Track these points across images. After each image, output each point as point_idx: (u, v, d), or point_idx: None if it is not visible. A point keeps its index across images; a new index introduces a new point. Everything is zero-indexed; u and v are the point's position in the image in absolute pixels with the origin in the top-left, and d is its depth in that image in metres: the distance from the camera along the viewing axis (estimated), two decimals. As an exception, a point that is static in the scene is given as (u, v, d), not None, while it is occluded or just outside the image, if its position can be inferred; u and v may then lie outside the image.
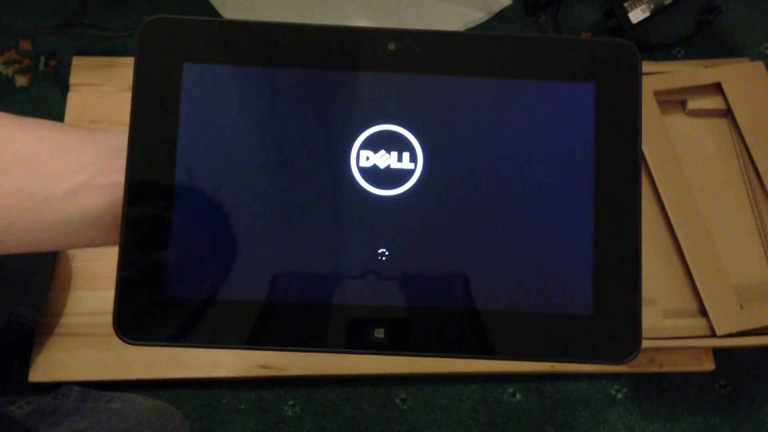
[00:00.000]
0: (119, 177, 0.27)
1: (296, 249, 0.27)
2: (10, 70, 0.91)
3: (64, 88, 0.87)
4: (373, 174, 0.27)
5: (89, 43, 0.92)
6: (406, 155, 0.27)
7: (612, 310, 0.26)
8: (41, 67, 0.91)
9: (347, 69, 0.27)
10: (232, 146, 0.27)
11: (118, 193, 0.27)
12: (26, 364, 0.75)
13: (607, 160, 0.27)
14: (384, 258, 0.27)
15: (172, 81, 0.27)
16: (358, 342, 0.26)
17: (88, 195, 0.28)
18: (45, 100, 0.89)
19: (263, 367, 0.77)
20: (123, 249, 0.26)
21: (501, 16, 0.95)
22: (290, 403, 0.81)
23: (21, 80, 0.90)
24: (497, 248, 0.27)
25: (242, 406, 0.80)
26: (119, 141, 0.29)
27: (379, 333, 0.26)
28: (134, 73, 0.27)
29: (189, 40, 0.27)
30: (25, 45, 0.92)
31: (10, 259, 0.67)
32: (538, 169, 0.27)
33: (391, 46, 0.27)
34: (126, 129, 0.27)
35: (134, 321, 0.26)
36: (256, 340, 0.26)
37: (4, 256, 0.65)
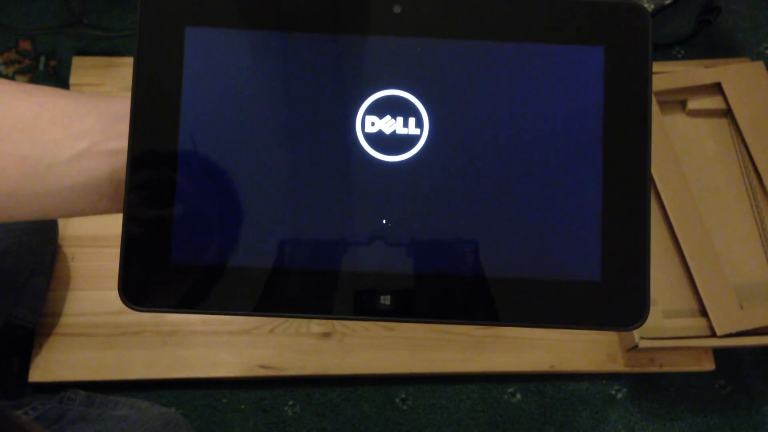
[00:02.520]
0: (122, 143, 0.27)
1: (300, 215, 0.26)
2: (10, 70, 0.91)
3: (64, 88, 0.87)
4: (378, 140, 0.26)
5: (89, 43, 0.92)
6: (411, 120, 0.27)
7: (620, 277, 0.26)
8: (41, 67, 0.91)
9: (352, 32, 0.26)
10: (236, 111, 0.27)
11: (121, 159, 0.27)
12: (26, 364, 0.75)
13: (617, 125, 0.26)
14: (390, 224, 0.26)
15: (175, 45, 0.26)
16: (364, 309, 0.26)
17: (92, 161, 0.27)
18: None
19: (263, 367, 0.77)
20: (127, 215, 0.26)
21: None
22: (290, 403, 0.81)
23: (21, 80, 0.90)
24: (504, 215, 0.26)
25: (242, 406, 0.80)
26: (120, 107, 0.28)
27: (385, 300, 0.26)
28: (136, 38, 0.26)
29: (190, 4, 0.27)
30: (25, 45, 0.92)
31: (8, 260, 0.67)
32: (546, 134, 0.26)
33: (397, 9, 0.26)
34: (127, 96, 0.27)
35: (140, 287, 0.26)
36: (258, 306, 0.26)
37: (2, 258, 0.65)
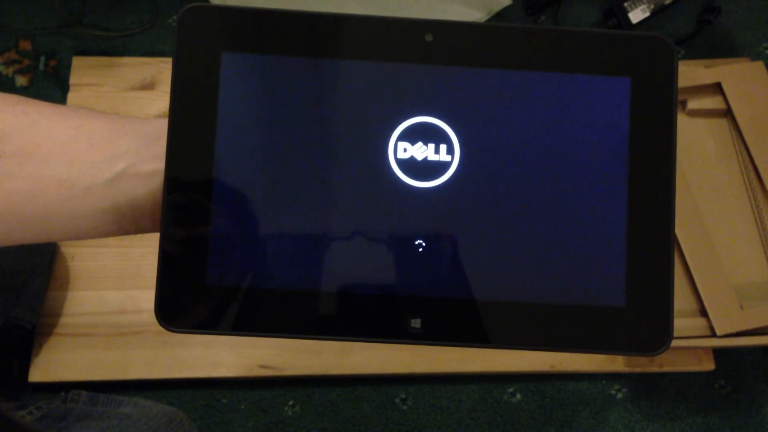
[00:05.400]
0: (157, 164, 0.27)
1: (334, 239, 0.27)
2: (10, 70, 0.91)
3: (64, 88, 0.87)
4: (410, 166, 0.27)
5: (89, 43, 0.92)
6: (443, 147, 0.27)
7: (645, 304, 0.27)
8: (41, 67, 0.91)
9: (385, 60, 0.27)
10: (271, 135, 0.27)
11: (157, 181, 0.27)
12: (26, 364, 0.75)
13: (642, 154, 0.27)
14: (421, 249, 0.27)
15: (211, 70, 0.27)
16: (395, 332, 0.26)
17: (128, 183, 0.28)
18: (45, 101, 0.89)
19: (263, 367, 0.77)
20: (164, 237, 0.26)
21: (501, 16, 0.95)
22: (290, 403, 0.81)
23: (21, 80, 0.90)
24: (533, 241, 0.27)
25: (242, 406, 0.80)
26: (154, 128, 0.28)
27: (416, 323, 0.26)
28: (173, 62, 0.27)
29: (227, 30, 0.27)
30: (25, 45, 0.92)
31: (6, 261, 0.67)
32: (573, 162, 0.27)
33: (429, 38, 0.27)
34: (159, 117, 0.27)
35: (176, 309, 0.26)
36: (291, 329, 0.27)
37: (0, 258, 0.65)
